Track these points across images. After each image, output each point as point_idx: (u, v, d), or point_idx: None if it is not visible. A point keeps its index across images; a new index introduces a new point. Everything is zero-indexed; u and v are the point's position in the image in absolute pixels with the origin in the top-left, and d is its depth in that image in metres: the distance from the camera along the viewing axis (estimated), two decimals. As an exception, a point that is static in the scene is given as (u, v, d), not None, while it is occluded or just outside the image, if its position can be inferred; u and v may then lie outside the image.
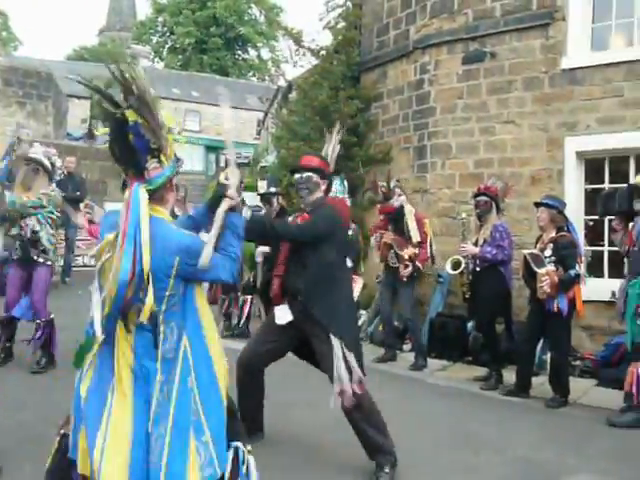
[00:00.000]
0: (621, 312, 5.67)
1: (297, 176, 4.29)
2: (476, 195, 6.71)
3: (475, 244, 6.56)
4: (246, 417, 4.06)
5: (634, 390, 5.31)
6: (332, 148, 4.64)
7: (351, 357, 3.99)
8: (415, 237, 7.13)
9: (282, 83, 18.84)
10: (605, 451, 4.75)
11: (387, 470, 3.99)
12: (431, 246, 7.37)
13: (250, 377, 4.33)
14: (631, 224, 5.62)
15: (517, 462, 4.46)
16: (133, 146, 2.60)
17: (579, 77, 7.60)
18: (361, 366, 4.08)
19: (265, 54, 39.17)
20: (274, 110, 17.96)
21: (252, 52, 38.70)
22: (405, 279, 7.15)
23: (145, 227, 2.54)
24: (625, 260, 5.77)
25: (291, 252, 4.21)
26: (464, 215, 6.90)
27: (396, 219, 7.25)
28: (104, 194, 14.06)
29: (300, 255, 4.13)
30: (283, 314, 4.16)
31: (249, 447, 2.99)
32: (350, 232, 7.75)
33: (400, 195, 7.27)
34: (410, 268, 7.10)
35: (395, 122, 9.52)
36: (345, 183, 8.21)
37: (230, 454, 2.86)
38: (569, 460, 4.52)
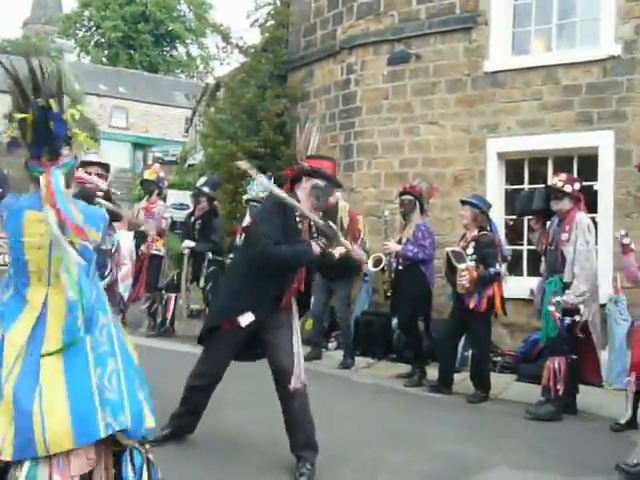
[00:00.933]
0: (538, 309, 5.82)
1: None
2: (401, 194, 6.75)
3: (399, 243, 6.59)
4: (195, 412, 4.20)
5: (551, 384, 5.43)
6: (313, 139, 4.39)
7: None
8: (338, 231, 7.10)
9: (210, 81, 18.58)
10: (523, 444, 4.82)
11: (309, 467, 3.93)
12: (364, 244, 7.35)
13: (213, 386, 4.26)
14: (548, 223, 5.78)
15: (438, 457, 4.47)
16: (53, 133, 2.76)
17: (500, 80, 7.78)
18: None
19: (194, 51, 38.61)
20: (202, 108, 17.66)
21: (181, 49, 38.07)
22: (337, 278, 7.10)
23: (72, 205, 2.73)
24: (542, 259, 5.90)
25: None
26: (387, 213, 6.93)
27: (331, 216, 7.20)
28: (27, 190, 13.43)
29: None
30: (247, 317, 4.02)
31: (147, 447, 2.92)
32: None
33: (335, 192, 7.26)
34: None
35: (322, 121, 9.45)
36: (271, 181, 8.08)
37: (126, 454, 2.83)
38: (488, 454, 4.56)
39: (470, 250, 6.03)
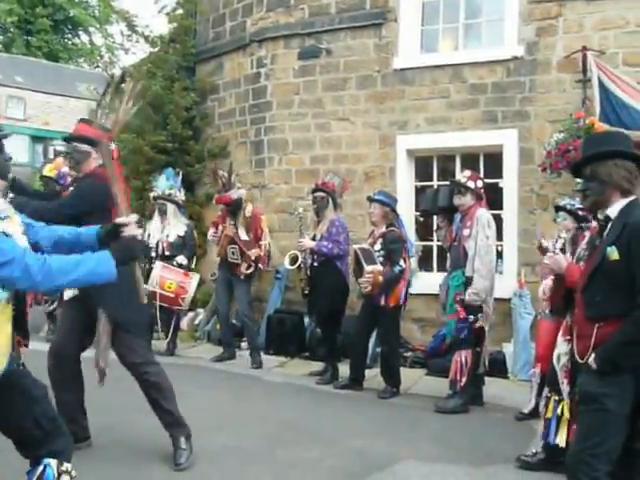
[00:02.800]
0: (443, 304, 6.05)
1: (68, 145, 4.36)
2: (313, 190, 6.83)
3: (313, 239, 6.67)
4: (65, 416, 3.93)
5: (458, 377, 5.66)
6: (123, 110, 4.39)
7: (132, 340, 4.14)
8: (242, 235, 7.16)
9: (116, 71, 18.04)
10: (432, 437, 5.02)
11: (184, 445, 4.19)
12: (267, 246, 7.40)
13: (65, 366, 4.24)
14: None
15: (349, 454, 4.58)
16: None
17: (409, 77, 8.00)
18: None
19: (98, 40, 37.33)
20: (106, 100, 17.11)
21: (84, 37, 36.66)
22: (242, 276, 7.14)
23: None
24: (448, 255, 6.13)
25: None
26: (301, 210, 7.00)
27: (234, 212, 7.19)
28: None
29: None
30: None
31: (68, 466, 2.88)
32: (185, 229, 7.63)
33: (240, 188, 7.24)
34: (252, 268, 7.14)
35: (232, 116, 9.45)
36: (178, 178, 8.00)
37: (38, 469, 2.80)
38: (398, 448, 4.72)
39: (378, 246, 6.18)
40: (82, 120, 4.56)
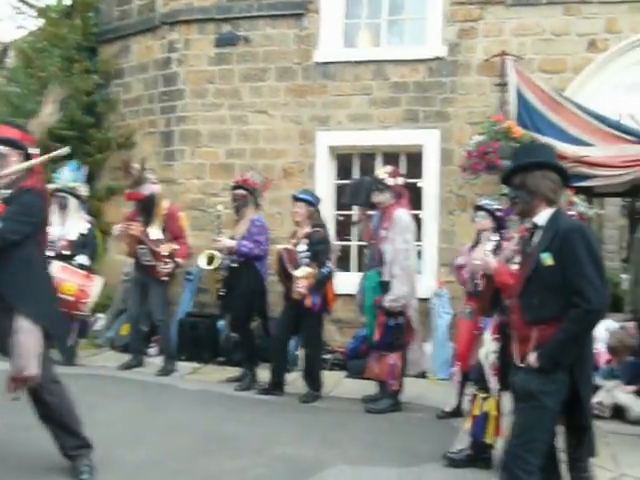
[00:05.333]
0: (360, 304, 6.38)
1: None
2: (233, 187, 6.96)
3: (232, 238, 6.78)
4: None
5: (388, 379, 6.04)
6: (48, 113, 4.46)
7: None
8: (154, 233, 7.16)
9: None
10: (358, 439, 5.32)
11: (87, 462, 4.22)
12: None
13: None
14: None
15: (274, 461, 4.76)
16: None
17: (331, 72, 8.34)
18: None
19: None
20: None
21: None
22: (166, 278, 7.19)
23: None
24: (365, 251, 6.48)
25: None
26: (220, 208, 7.08)
27: (147, 209, 7.22)
28: None
29: None
30: None
31: None
32: (87, 226, 7.53)
33: (154, 183, 7.27)
34: (170, 265, 7.14)
35: (139, 103, 9.42)
36: (82, 170, 7.93)
37: None
38: (324, 453, 4.97)
39: (303, 247, 6.39)
40: (10, 123, 4.51)
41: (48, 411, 4.16)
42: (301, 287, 6.17)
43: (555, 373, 3.22)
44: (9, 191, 4.04)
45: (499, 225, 5.80)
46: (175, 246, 7.20)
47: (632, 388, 5.89)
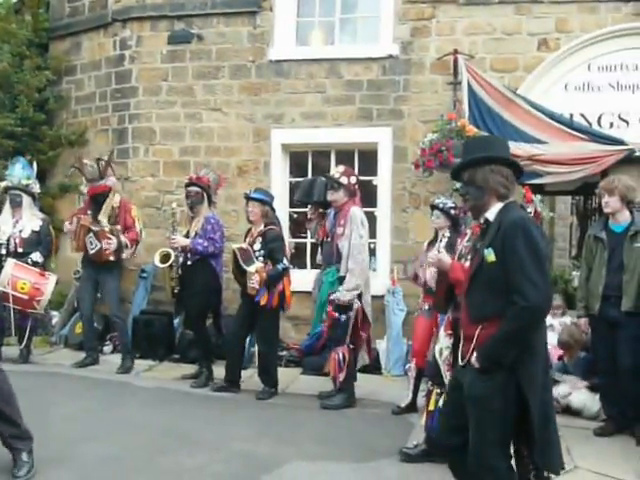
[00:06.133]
0: (315, 300, 6.35)
1: None
2: (187, 185, 6.84)
3: (186, 236, 6.68)
4: None
5: (337, 374, 5.99)
6: None
7: None
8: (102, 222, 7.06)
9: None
10: (314, 436, 5.29)
11: (26, 458, 4.12)
12: (141, 231, 7.34)
13: None
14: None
15: (232, 458, 4.72)
16: None
17: (285, 70, 8.24)
18: None
19: None
20: None
21: None
22: (112, 258, 7.01)
23: None
24: (319, 249, 6.42)
25: None
26: (174, 205, 6.97)
27: (98, 202, 7.14)
28: None
29: None
30: None
31: None
32: (40, 223, 7.35)
33: (111, 175, 7.18)
34: (114, 241, 6.98)
35: (91, 100, 9.18)
36: (34, 166, 7.70)
37: None
38: (281, 449, 4.93)
39: (257, 245, 6.33)
40: None
41: None
42: (254, 282, 6.10)
43: (496, 373, 3.04)
44: None
45: (455, 223, 5.81)
46: (117, 226, 7.08)
47: (585, 384, 5.93)
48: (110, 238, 6.98)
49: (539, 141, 7.03)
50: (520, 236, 3.02)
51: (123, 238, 7.06)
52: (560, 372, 6.11)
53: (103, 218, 7.07)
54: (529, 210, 6.06)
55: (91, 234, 6.99)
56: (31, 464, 4.13)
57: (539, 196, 6.61)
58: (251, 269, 6.12)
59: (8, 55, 9.20)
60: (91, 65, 9.20)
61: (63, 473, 4.24)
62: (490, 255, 3.09)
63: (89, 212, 7.17)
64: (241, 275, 6.26)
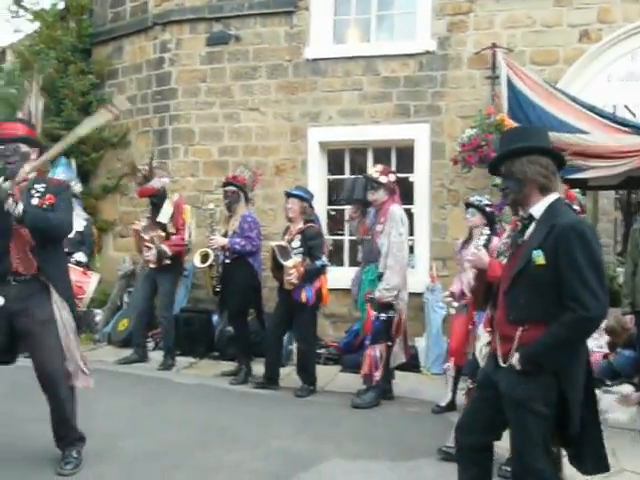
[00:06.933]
0: (355, 299, 6.23)
1: (0, 148, 3.99)
2: (224, 185, 6.79)
3: (225, 235, 6.64)
4: None
5: (372, 372, 5.85)
6: (35, 105, 4.31)
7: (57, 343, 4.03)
8: (164, 219, 7.04)
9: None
10: (352, 434, 5.16)
11: (75, 455, 4.16)
12: (189, 235, 7.27)
13: None
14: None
15: (271, 455, 4.64)
16: None
17: (322, 68, 8.14)
18: None
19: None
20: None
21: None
22: (154, 265, 7.03)
23: None
24: (359, 247, 6.30)
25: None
26: (212, 206, 6.94)
27: (157, 203, 7.11)
28: None
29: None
30: None
31: None
32: (84, 223, 7.41)
33: (162, 177, 7.15)
34: (153, 251, 6.96)
35: (133, 103, 9.19)
36: (73, 167, 7.76)
37: None
38: (320, 447, 4.82)
39: (296, 243, 6.24)
40: (14, 119, 4.49)
41: (59, 402, 4.08)
42: (292, 277, 6.02)
43: (539, 376, 2.88)
44: (43, 185, 4.02)
45: (490, 220, 5.63)
46: (160, 232, 7.03)
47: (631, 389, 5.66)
48: (150, 248, 6.98)
49: (582, 131, 6.74)
50: (578, 243, 2.83)
51: (164, 247, 6.99)
52: (607, 374, 5.85)
53: (163, 219, 7.06)
54: (575, 208, 5.83)
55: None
56: (79, 461, 4.15)
57: (579, 190, 6.37)
58: (288, 263, 6.04)
59: (54, 61, 9.37)
60: (132, 68, 9.25)
61: (106, 468, 4.22)
62: (539, 257, 2.88)
63: (149, 213, 7.20)
64: (278, 271, 6.19)
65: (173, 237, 7.05)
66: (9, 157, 3.94)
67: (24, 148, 4.00)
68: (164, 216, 7.04)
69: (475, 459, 3.16)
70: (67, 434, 4.17)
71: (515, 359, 2.93)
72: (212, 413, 5.59)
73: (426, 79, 7.78)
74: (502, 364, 3.03)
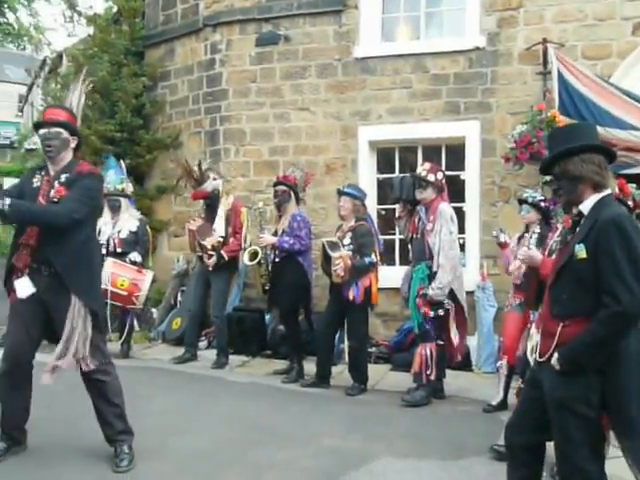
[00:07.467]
0: (406, 298, 6.26)
1: (42, 131, 4.15)
2: (274, 184, 6.92)
3: (275, 234, 6.77)
4: (15, 420, 4.20)
5: (423, 370, 5.91)
6: (77, 98, 4.45)
7: (96, 336, 4.15)
8: (219, 229, 7.17)
9: (49, 53, 17.63)
10: (403, 432, 5.22)
11: (127, 450, 4.25)
12: (245, 237, 7.41)
13: (21, 371, 4.15)
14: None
15: (322, 453, 4.72)
16: None
17: (371, 67, 8.19)
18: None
19: (26, 19, 36.16)
20: (40, 84, 16.74)
21: (10, 16, 35.42)
22: (211, 269, 7.17)
23: None
24: (409, 247, 6.34)
25: None
26: (261, 204, 7.09)
27: (211, 205, 7.27)
28: None
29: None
30: (25, 287, 4.09)
31: None
32: (137, 224, 7.60)
33: (215, 179, 7.29)
34: (214, 258, 7.12)
35: (185, 104, 9.44)
36: (123, 168, 7.98)
37: None
38: (372, 445, 4.88)
39: (347, 240, 6.32)
40: (58, 106, 4.63)
41: (102, 391, 4.21)
42: (338, 267, 6.09)
43: (580, 376, 2.88)
44: (66, 175, 4.12)
45: (545, 215, 5.60)
46: (219, 239, 7.16)
47: None
48: (211, 255, 7.13)
49: (636, 128, 6.64)
50: (616, 236, 2.83)
51: (222, 252, 7.15)
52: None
53: (220, 224, 7.21)
54: (629, 203, 5.75)
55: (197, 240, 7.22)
56: (132, 456, 4.25)
57: (635, 186, 6.26)
58: (336, 254, 6.13)
59: (107, 64, 9.62)
60: (184, 70, 9.45)
61: (159, 465, 4.33)
62: (581, 251, 2.91)
63: (202, 215, 7.37)
64: (327, 265, 6.28)
65: (230, 241, 7.20)
66: (50, 140, 4.09)
67: (65, 134, 4.13)
68: (219, 227, 7.18)
69: (525, 459, 3.18)
70: (114, 425, 4.25)
71: (554, 359, 2.94)
72: (264, 411, 5.69)
73: (476, 76, 7.76)
74: (539, 358, 3.05)
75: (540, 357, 3.05)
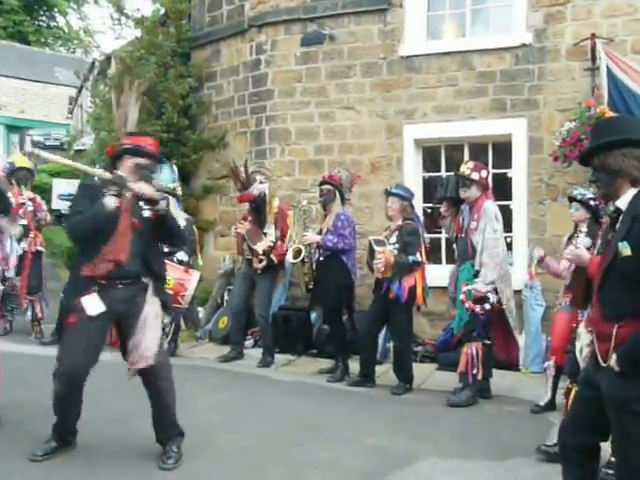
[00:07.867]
0: (451, 296, 6.28)
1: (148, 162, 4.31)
2: (320, 183, 7.00)
3: (320, 233, 6.83)
4: (67, 427, 4.32)
5: (468, 369, 5.90)
6: (133, 110, 4.52)
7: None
8: (270, 233, 7.29)
9: (97, 56, 18.00)
10: (449, 432, 5.23)
11: (176, 449, 4.34)
12: (290, 239, 7.48)
13: (77, 389, 4.22)
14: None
15: (367, 452, 4.74)
16: None
17: (416, 65, 8.20)
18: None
19: (75, 22, 37.02)
20: (89, 86, 17.14)
21: (60, 20, 36.26)
22: (260, 272, 7.29)
23: None
24: (454, 246, 6.34)
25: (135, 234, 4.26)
26: (305, 203, 7.18)
27: (257, 208, 7.36)
28: None
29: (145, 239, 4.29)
30: (95, 304, 4.14)
31: None
32: (184, 223, 7.75)
33: (262, 182, 7.39)
34: (264, 262, 7.24)
35: (230, 104, 9.58)
36: (175, 169, 8.14)
37: None
38: (417, 445, 4.90)
39: (393, 239, 6.36)
40: (147, 134, 4.87)
41: (162, 396, 4.32)
42: (379, 262, 6.13)
43: (638, 376, 2.83)
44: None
45: (595, 214, 5.55)
46: (270, 243, 7.27)
47: None
48: (261, 259, 7.25)
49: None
50: None
51: (273, 257, 7.26)
52: None
53: (270, 229, 7.32)
54: None
55: (246, 243, 7.33)
56: (180, 455, 4.34)
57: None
58: (379, 249, 6.17)
59: (154, 66, 9.81)
60: (230, 71, 9.59)
61: (204, 462, 4.39)
62: (625, 249, 2.84)
63: (250, 218, 7.46)
64: (372, 261, 6.31)
65: (278, 244, 7.29)
66: (153, 173, 4.37)
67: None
68: (270, 231, 7.29)
69: (580, 460, 3.16)
70: (167, 428, 4.36)
71: (613, 360, 2.90)
72: (309, 410, 5.75)
73: (523, 72, 7.70)
74: (603, 364, 2.99)
75: (603, 362, 2.99)
